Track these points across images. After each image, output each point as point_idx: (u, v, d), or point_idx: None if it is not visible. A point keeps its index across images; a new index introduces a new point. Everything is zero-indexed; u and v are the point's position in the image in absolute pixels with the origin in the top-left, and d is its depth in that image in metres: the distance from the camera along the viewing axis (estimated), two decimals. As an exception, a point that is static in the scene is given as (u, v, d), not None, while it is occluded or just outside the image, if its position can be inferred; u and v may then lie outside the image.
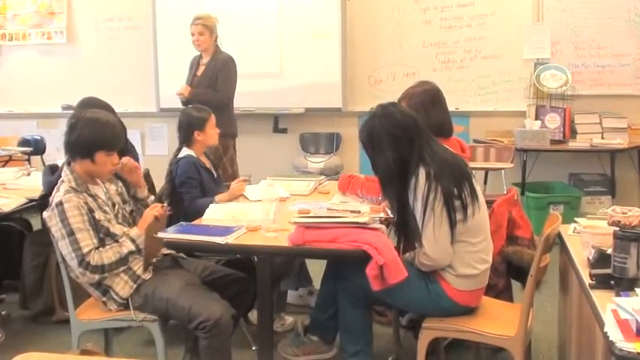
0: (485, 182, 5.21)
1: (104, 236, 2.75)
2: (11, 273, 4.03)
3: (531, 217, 4.16)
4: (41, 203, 3.55)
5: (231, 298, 2.87)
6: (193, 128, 3.66)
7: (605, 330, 1.75)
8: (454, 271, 2.58)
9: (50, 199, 2.79)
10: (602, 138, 5.65)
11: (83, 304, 2.90)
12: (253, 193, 3.51)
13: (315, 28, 6.14)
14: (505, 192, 4.42)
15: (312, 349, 3.00)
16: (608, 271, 2.06)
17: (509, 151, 5.18)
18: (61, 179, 2.80)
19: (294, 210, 3.09)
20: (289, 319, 3.68)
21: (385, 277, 2.50)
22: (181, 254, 3.05)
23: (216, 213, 3.09)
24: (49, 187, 3.25)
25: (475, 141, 5.78)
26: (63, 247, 2.70)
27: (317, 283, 3.32)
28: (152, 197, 3.19)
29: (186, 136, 3.68)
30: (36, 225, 4.37)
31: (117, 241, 2.77)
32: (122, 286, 2.77)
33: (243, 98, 6.03)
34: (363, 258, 2.51)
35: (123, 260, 2.75)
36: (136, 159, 3.89)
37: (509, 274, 3.07)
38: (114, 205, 2.90)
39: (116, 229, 2.80)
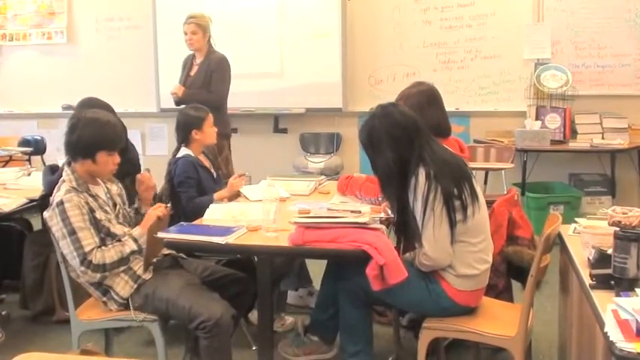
0: (485, 182, 5.20)
1: (105, 236, 2.75)
2: (11, 273, 4.03)
3: (531, 217, 4.15)
4: (41, 203, 3.55)
5: (232, 298, 2.87)
6: (191, 127, 3.66)
7: (606, 330, 1.75)
8: (454, 271, 2.58)
9: (51, 198, 2.79)
10: (603, 138, 5.65)
11: (83, 304, 2.90)
12: (253, 193, 3.51)
13: (316, 28, 6.14)
14: (505, 192, 4.42)
15: (312, 349, 3.00)
16: (609, 271, 2.06)
17: (510, 152, 5.18)
18: (61, 179, 2.80)
19: (295, 210, 3.09)
20: (289, 319, 3.68)
21: (385, 277, 2.50)
22: (181, 254, 3.05)
23: (216, 213, 3.09)
24: (50, 187, 3.25)
25: (475, 141, 5.78)
26: (64, 246, 2.70)
27: (317, 283, 3.31)
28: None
29: (184, 136, 3.69)
30: (36, 225, 4.37)
31: (119, 241, 2.77)
32: (122, 286, 2.77)
33: (244, 98, 6.06)
34: (363, 258, 2.51)
35: (125, 260, 2.75)
36: (137, 159, 3.91)
37: (509, 274, 3.07)
38: (115, 205, 2.90)
39: (117, 229, 2.80)
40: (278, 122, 6.38)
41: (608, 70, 5.80)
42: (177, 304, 2.71)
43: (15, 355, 1.67)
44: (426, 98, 3.20)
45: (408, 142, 2.58)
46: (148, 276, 2.81)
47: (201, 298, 2.74)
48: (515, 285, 3.09)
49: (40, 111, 6.79)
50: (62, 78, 6.67)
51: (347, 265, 2.74)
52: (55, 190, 2.79)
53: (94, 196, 2.79)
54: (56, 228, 2.70)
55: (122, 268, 2.76)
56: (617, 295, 1.96)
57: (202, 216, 3.10)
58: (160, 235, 2.77)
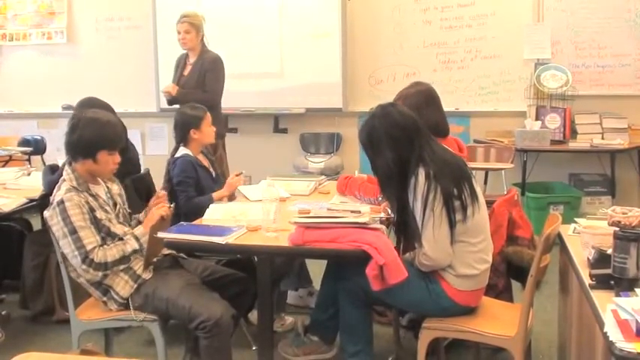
0: (485, 182, 5.21)
1: (105, 235, 2.75)
2: (11, 273, 4.03)
3: (531, 217, 4.15)
4: (41, 203, 3.55)
5: (232, 298, 2.87)
6: (189, 127, 3.66)
7: (605, 330, 1.75)
8: (454, 271, 2.58)
9: (51, 198, 2.79)
10: (603, 138, 5.65)
11: (83, 304, 2.90)
12: (253, 193, 3.51)
13: (316, 28, 6.13)
14: (505, 192, 4.42)
15: (312, 349, 3.00)
16: (608, 271, 2.07)
17: (510, 152, 5.18)
18: (62, 178, 2.80)
19: (295, 210, 3.09)
20: (289, 319, 3.68)
21: (385, 277, 2.50)
22: (182, 254, 3.05)
23: (216, 213, 3.09)
24: (50, 186, 3.26)
25: (475, 141, 5.78)
26: (65, 245, 2.70)
27: (317, 283, 3.32)
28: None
29: (182, 135, 3.69)
30: (36, 225, 4.37)
31: (121, 239, 2.78)
32: (122, 286, 2.77)
33: (244, 98, 6.06)
34: (363, 258, 2.51)
35: (126, 258, 2.75)
36: (137, 159, 3.91)
37: (509, 274, 3.07)
38: (115, 204, 2.90)
39: (117, 228, 2.81)
40: (278, 122, 6.38)
41: (608, 70, 5.80)
42: (178, 303, 2.71)
43: (15, 355, 1.68)
44: (423, 98, 3.21)
45: (407, 142, 2.58)
46: (148, 276, 2.81)
47: (201, 298, 2.75)
48: (515, 285, 3.09)
49: (40, 111, 6.79)
50: (62, 78, 6.67)
51: (347, 265, 2.75)
52: (55, 190, 2.79)
53: (95, 196, 2.79)
54: (57, 227, 2.70)
55: (122, 267, 2.76)
56: (617, 295, 1.96)
57: (201, 216, 3.10)
58: (160, 235, 2.77)
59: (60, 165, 3.59)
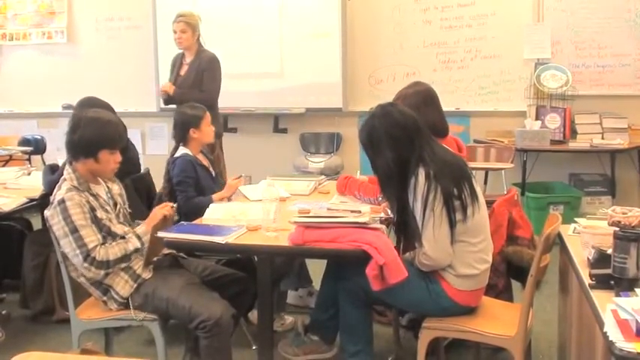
0: (485, 182, 5.21)
1: (105, 235, 2.75)
2: (11, 272, 4.03)
3: (531, 217, 4.16)
4: (41, 203, 3.55)
5: (232, 297, 2.87)
6: (189, 126, 3.66)
7: (605, 330, 1.75)
8: (454, 271, 2.58)
9: (51, 197, 2.79)
10: (603, 138, 5.65)
11: (83, 303, 2.90)
12: (253, 193, 3.51)
13: (316, 28, 6.13)
14: (505, 192, 4.42)
15: (312, 348, 3.00)
16: (608, 271, 2.07)
17: (510, 151, 5.18)
18: (62, 178, 2.80)
19: (295, 210, 3.09)
20: (289, 319, 3.68)
21: (385, 277, 2.50)
22: (182, 254, 3.05)
23: (216, 213, 3.09)
24: (50, 186, 3.26)
25: (475, 141, 5.78)
26: (66, 244, 2.70)
27: (317, 283, 3.31)
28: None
29: (182, 135, 3.69)
30: (36, 225, 4.37)
31: (123, 238, 2.78)
32: (122, 286, 2.77)
33: (244, 98, 6.06)
34: (363, 258, 2.51)
35: (128, 257, 2.76)
36: (137, 158, 3.91)
37: (509, 274, 3.07)
38: (115, 204, 2.90)
39: (117, 228, 2.81)
40: (278, 122, 6.38)
41: (608, 70, 5.80)
42: (178, 303, 2.72)
43: (15, 355, 1.68)
44: (422, 98, 3.21)
45: (407, 142, 2.58)
46: (148, 275, 2.81)
47: (201, 297, 2.75)
48: (515, 285, 3.09)
49: (40, 110, 6.78)
50: (62, 78, 6.66)
51: (347, 265, 2.75)
52: (55, 189, 2.79)
53: (95, 196, 2.79)
54: (57, 227, 2.70)
55: (123, 265, 2.76)
56: (617, 295, 1.96)
57: (201, 216, 3.10)
58: (161, 234, 2.78)
59: (60, 165, 3.59)
